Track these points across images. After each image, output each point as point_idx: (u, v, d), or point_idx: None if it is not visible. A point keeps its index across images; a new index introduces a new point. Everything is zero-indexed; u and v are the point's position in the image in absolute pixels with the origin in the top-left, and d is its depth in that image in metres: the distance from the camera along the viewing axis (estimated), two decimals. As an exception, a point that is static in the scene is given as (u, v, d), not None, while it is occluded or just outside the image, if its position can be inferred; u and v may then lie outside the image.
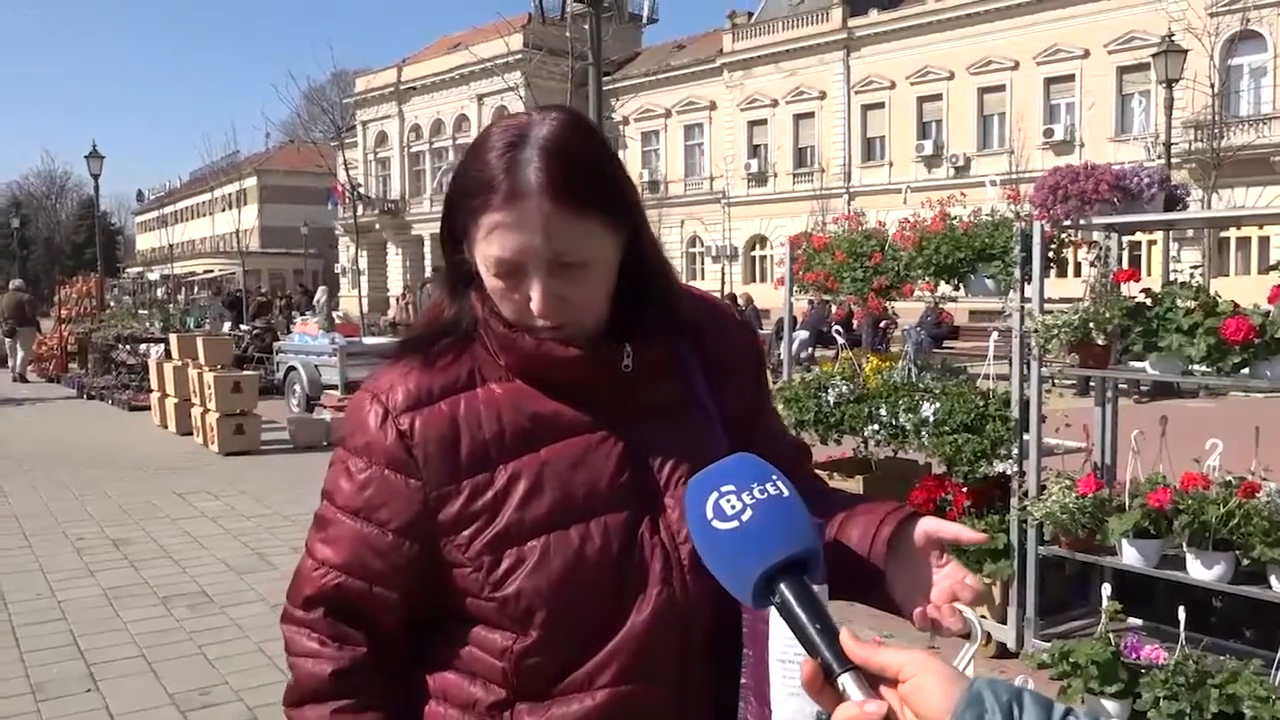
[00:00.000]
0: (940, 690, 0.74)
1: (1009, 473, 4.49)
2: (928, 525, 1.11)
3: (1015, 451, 4.41)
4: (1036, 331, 4.16)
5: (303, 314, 19.30)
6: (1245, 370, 3.68)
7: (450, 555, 1.11)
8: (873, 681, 0.78)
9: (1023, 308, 4.30)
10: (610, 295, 1.13)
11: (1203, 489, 3.79)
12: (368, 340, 16.13)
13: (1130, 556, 3.94)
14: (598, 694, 1.09)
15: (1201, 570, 3.74)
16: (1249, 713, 3.36)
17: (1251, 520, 3.56)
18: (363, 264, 50.33)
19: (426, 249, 51.02)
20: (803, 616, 0.81)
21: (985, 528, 4.51)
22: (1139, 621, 4.26)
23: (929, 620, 1.06)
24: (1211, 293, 3.91)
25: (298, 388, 13.69)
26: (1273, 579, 3.58)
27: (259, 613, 5.28)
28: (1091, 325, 4.01)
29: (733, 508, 0.86)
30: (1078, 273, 4.81)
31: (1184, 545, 3.77)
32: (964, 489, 4.69)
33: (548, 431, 1.12)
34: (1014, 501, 4.41)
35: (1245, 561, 3.67)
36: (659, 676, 1.10)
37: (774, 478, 0.89)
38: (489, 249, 1.08)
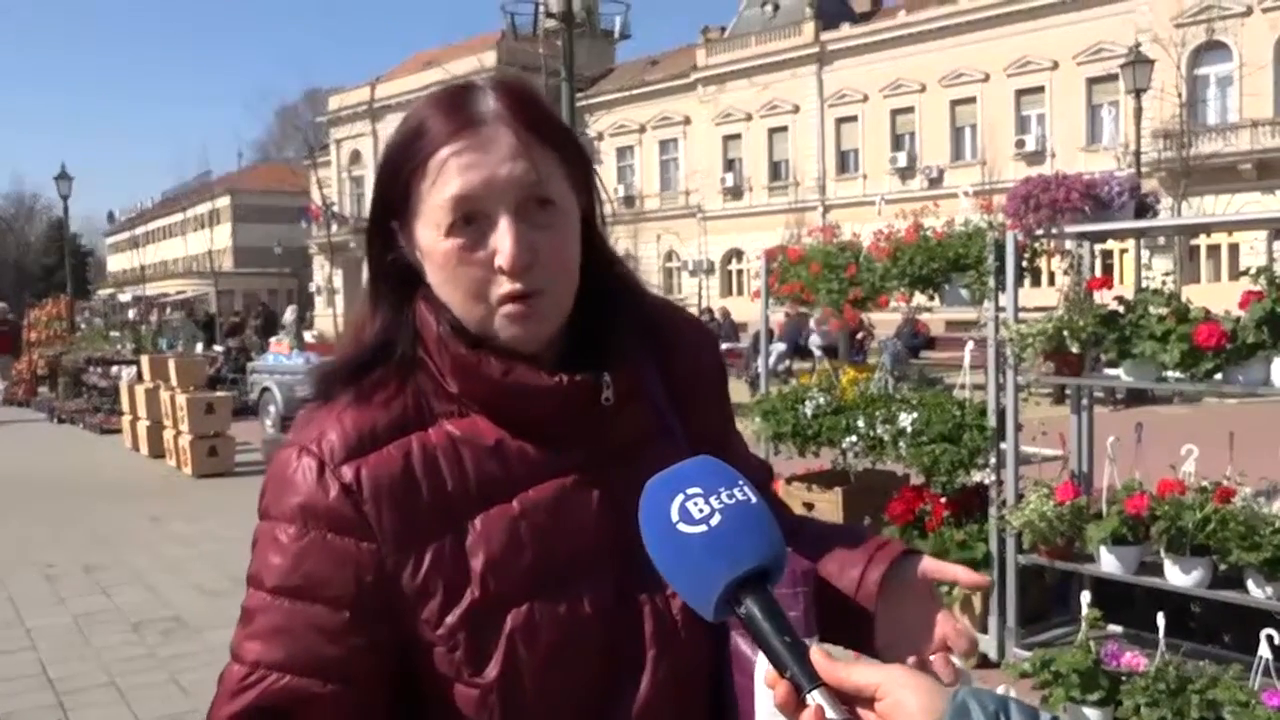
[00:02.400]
0: (920, 705, 0.71)
1: (987, 482, 4.49)
2: (927, 566, 1.00)
3: (993, 460, 4.42)
4: (1011, 340, 4.17)
5: (267, 335, 19.11)
6: (1218, 376, 3.69)
7: (418, 632, 0.91)
8: (848, 701, 0.73)
9: (997, 317, 4.31)
10: (576, 270, 0.97)
11: (1179, 495, 3.80)
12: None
13: (1109, 563, 3.94)
14: None
15: (1179, 576, 3.75)
16: (1229, 717, 3.36)
17: (1228, 525, 3.56)
18: (337, 282, 50.13)
19: (402, 267, 50.82)
20: (769, 630, 0.77)
21: (964, 537, 4.52)
22: (1119, 628, 4.26)
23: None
24: (1183, 299, 3.93)
25: (272, 408, 13.56)
26: (1250, 583, 3.59)
27: (233, 637, 5.20)
28: (1065, 333, 4.02)
29: (701, 511, 0.80)
30: (1051, 282, 4.83)
31: (1162, 551, 3.78)
32: (942, 499, 4.68)
33: (517, 476, 0.94)
34: (992, 511, 4.41)
35: (1222, 566, 3.68)
36: None
37: (740, 483, 0.82)
38: (443, 192, 0.90)
